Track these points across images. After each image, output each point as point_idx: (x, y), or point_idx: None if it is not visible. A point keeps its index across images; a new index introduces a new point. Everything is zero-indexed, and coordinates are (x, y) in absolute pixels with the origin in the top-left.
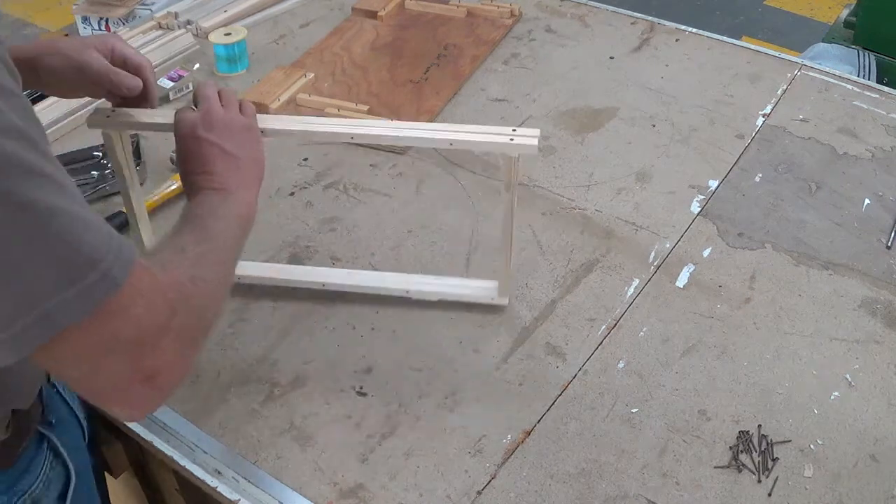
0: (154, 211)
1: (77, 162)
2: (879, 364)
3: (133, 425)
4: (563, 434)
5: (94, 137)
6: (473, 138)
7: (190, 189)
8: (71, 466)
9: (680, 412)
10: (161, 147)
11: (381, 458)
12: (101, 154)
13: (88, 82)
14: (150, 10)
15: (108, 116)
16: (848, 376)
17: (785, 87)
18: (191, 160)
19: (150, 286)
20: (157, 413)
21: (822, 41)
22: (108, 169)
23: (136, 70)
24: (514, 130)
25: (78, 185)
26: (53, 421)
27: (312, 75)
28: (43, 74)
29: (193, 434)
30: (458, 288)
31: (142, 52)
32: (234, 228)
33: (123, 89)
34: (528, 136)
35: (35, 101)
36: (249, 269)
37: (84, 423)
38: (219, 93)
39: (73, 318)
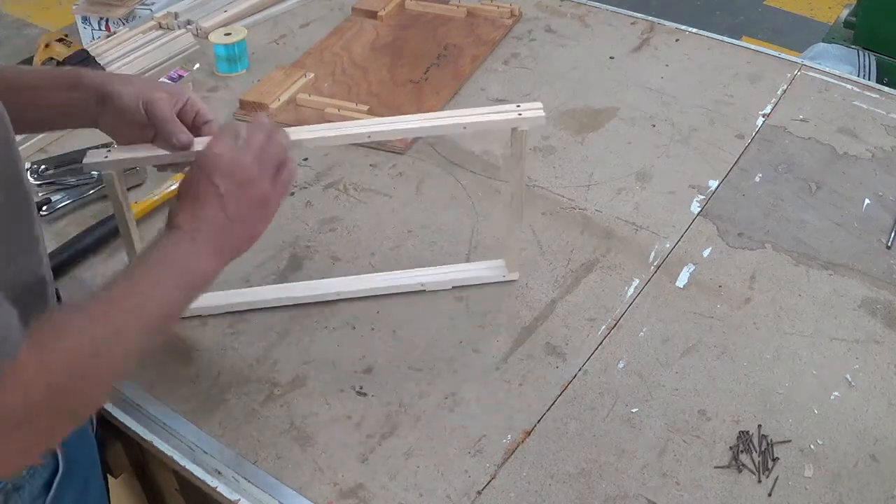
0: (153, 211)
1: (77, 162)
2: (879, 364)
3: (133, 425)
4: (563, 434)
5: (95, 138)
6: (485, 118)
7: (168, 220)
8: (60, 456)
9: (680, 412)
10: None
11: (381, 458)
12: None
13: (146, 121)
14: (150, 10)
15: (105, 156)
16: (848, 376)
17: (785, 87)
18: (189, 194)
19: (8, 384)
20: (156, 413)
21: (822, 41)
22: None
23: (201, 124)
24: (518, 106)
25: (78, 185)
26: None
27: (312, 75)
28: (109, 99)
29: (193, 434)
30: (467, 272)
31: (142, 52)
32: (167, 303)
33: (174, 140)
34: (533, 109)
35: None
36: (251, 295)
37: (93, 417)
38: (268, 138)
39: None
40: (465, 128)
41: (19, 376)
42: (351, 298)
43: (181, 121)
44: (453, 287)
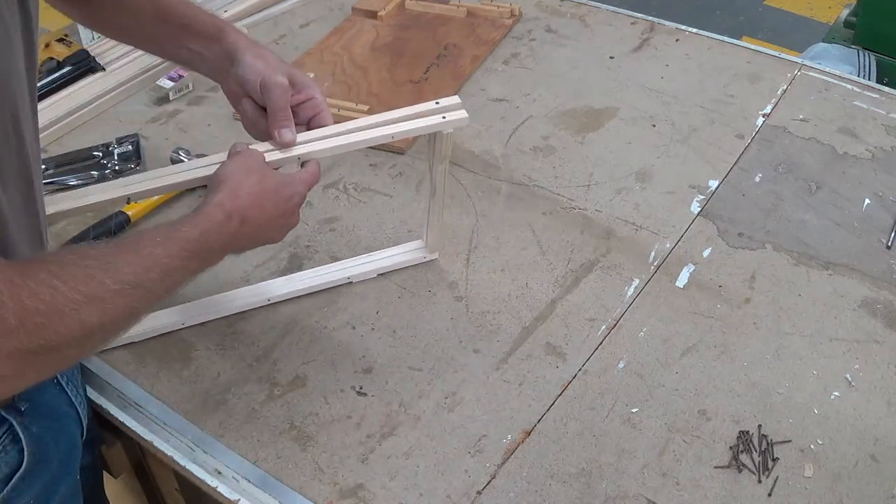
0: (153, 212)
1: (77, 162)
2: (879, 364)
3: (133, 425)
4: (563, 434)
5: (95, 137)
6: (410, 126)
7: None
8: (26, 452)
9: (680, 412)
10: (161, 147)
11: (381, 458)
12: (100, 154)
13: (257, 96)
14: None
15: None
16: (848, 376)
17: (785, 87)
18: (253, 194)
19: None
20: (157, 413)
21: (822, 41)
22: (108, 169)
23: (317, 122)
24: (437, 104)
25: (78, 185)
26: (24, 409)
27: (312, 75)
28: (236, 65)
29: (193, 434)
30: (390, 259)
31: (142, 52)
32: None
33: (275, 134)
34: (455, 109)
35: (41, 97)
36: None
37: (84, 419)
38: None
39: None
40: (392, 137)
41: None
42: (351, 299)
43: (296, 115)
44: (379, 274)
